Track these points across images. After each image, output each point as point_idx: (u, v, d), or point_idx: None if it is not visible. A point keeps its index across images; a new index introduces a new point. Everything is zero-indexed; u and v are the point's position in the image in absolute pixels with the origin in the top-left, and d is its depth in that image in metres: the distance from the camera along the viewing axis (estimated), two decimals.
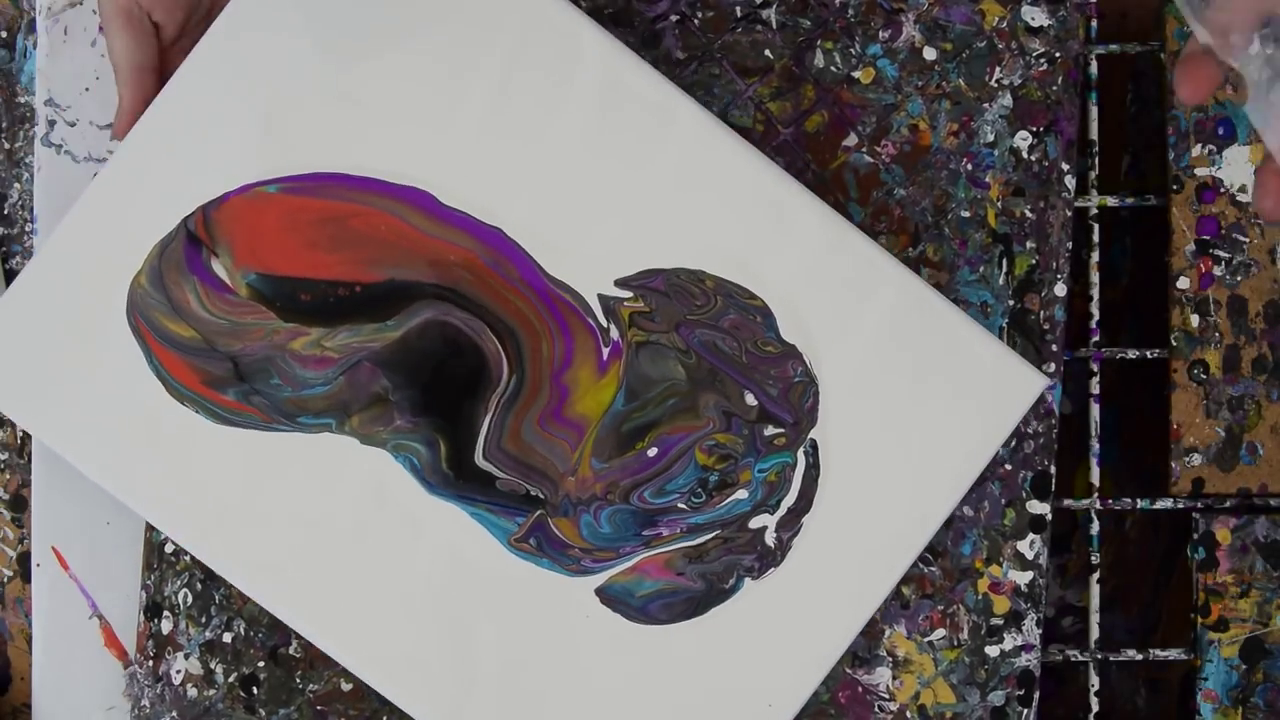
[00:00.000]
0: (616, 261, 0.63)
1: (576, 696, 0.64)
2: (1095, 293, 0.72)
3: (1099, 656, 0.72)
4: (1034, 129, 0.70)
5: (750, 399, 0.63)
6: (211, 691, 0.70)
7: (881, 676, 0.70)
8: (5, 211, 0.75)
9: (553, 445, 0.63)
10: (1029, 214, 0.70)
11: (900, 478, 0.63)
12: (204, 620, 0.70)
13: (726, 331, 0.63)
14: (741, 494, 0.63)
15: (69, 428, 0.63)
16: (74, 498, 0.72)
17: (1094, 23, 0.71)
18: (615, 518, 0.63)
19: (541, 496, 0.63)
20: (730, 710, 0.64)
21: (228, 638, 0.70)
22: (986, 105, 0.70)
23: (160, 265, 0.63)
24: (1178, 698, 0.77)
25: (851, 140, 0.70)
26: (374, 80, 0.62)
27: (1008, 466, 0.69)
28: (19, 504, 0.74)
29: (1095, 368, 0.73)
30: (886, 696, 0.69)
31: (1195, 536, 0.71)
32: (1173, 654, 0.72)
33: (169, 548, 0.71)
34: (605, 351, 0.63)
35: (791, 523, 0.63)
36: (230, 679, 0.70)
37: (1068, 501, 0.72)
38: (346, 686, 0.70)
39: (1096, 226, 0.73)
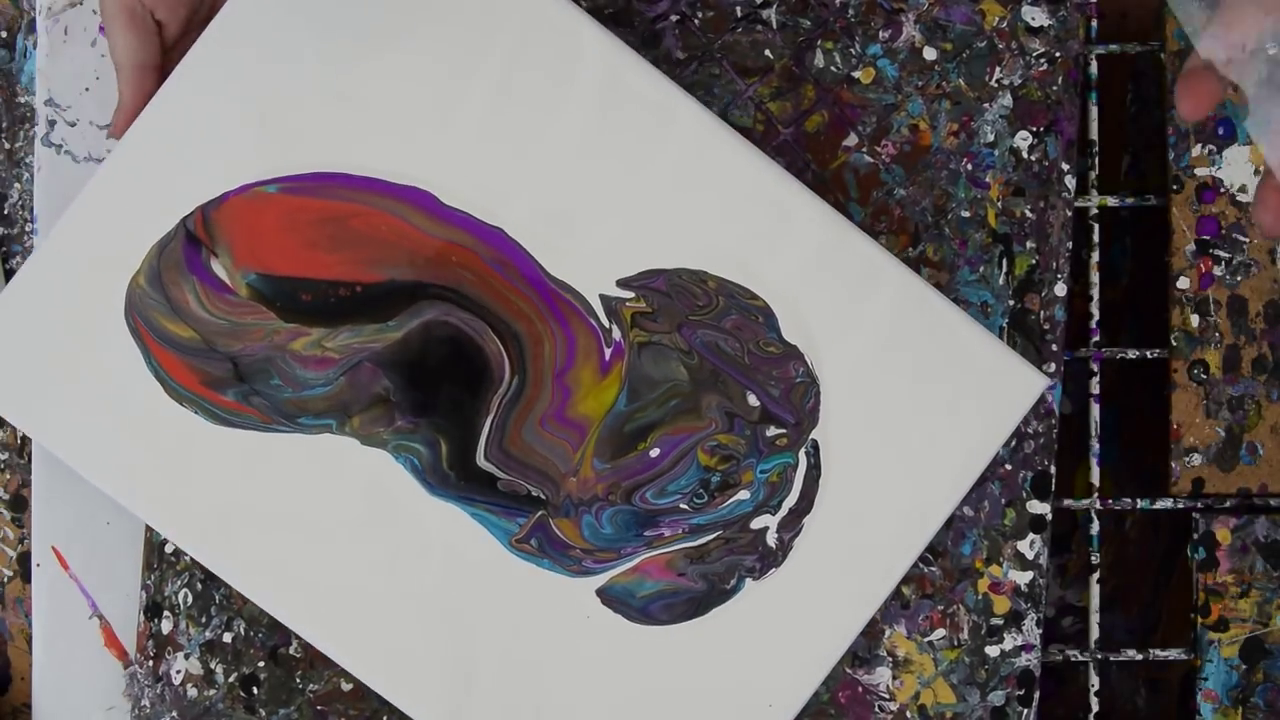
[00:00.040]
0: (618, 261, 0.63)
1: (577, 697, 0.64)
2: (1095, 293, 0.72)
3: (1099, 656, 0.72)
4: (1034, 129, 0.70)
5: (752, 399, 0.63)
6: (211, 691, 0.70)
7: (882, 676, 0.70)
8: (5, 211, 0.75)
9: (554, 446, 0.63)
10: (1029, 214, 0.70)
11: (901, 478, 0.63)
12: (204, 620, 0.70)
13: (728, 332, 0.63)
14: (743, 495, 0.63)
15: (66, 429, 0.63)
16: (74, 498, 0.72)
17: (1094, 23, 0.71)
18: (617, 518, 0.63)
19: (543, 497, 0.63)
20: (731, 710, 0.64)
21: (228, 638, 0.70)
22: (986, 105, 0.70)
23: (159, 265, 0.63)
24: (1178, 698, 0.77)
25: (852, 140, 0.70)
26: (374, 79, 0.62)
27: (1008, 466, 0.69)
28: (19, 504, 0.74)
29: (1095, 368, 0.73)
30: (886, 696, 0.69)
31: (1195, 536, 0.71)
32: (1173, 654, 0.72)
33: (169, 548, 0.70)
34: (607, 352, 0.63)
35: (793, 523, 0.63)
36: (230, 679, 0.70)
37: (1068, 501, 0.72)
38: (346, 686, 0.70)
39: (1096, 226, 0.73)
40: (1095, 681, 0.72)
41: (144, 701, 0.71)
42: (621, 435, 0.63)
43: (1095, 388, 0.73)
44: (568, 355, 0.63)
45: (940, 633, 0.69)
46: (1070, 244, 0.70)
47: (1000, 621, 0.69)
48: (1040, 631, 0.69)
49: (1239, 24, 0.49)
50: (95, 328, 0.63)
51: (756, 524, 0.63)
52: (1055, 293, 0.70)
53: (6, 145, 0.75)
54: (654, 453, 0.63)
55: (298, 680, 0.70)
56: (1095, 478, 0.72)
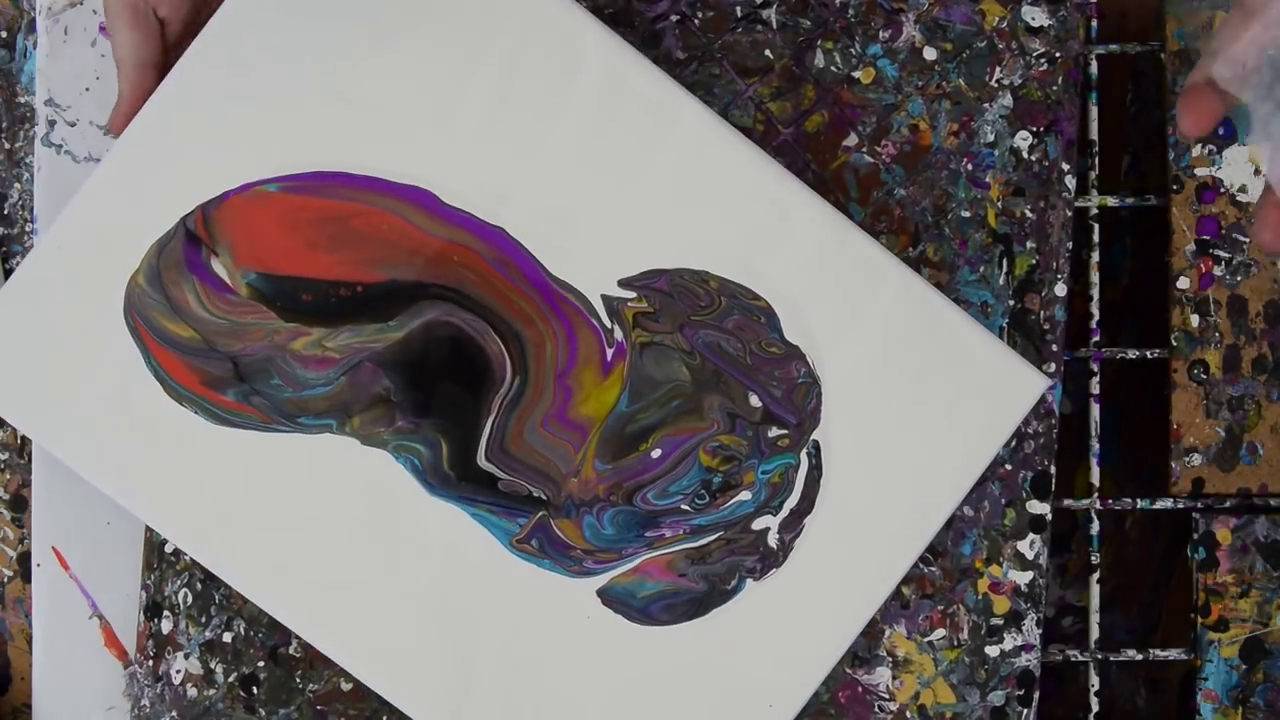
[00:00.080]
0: (620, 261, 0.63)
1: (577, 698, 0.64)
2: (1095, 293, 0.72)
3: (1099, 656, 0.72)
4: (1034, 129, 0.70)
5: (754, 400, 0.63)
6: (211, 691, 0.70)
7: (881, 676, 0.70)
8: (5, 211, 0.75)
9: (556, 446, 0.63)
10: (1029, 214, 0.70)
11: (901, 478, 0.63)
12: (204, 620, 0.70)
13: (730, 332, 0.63)
14: (745, 495, 0.63)
15: (66, 429, 0.63)
16: (74, 498, 0.72)
17: (1094, 23, 0.71)
18: (618, 519, 0.63)
19: (544, 498, 0.63)
20: (731, 710, 0.64)
21: (228, 637, 0.70)
22: (986, 105, 0.70)
23: (159, 264, 0.63)
24: (1178, 698, 0.77)
25: (852, 140, 0.70)
26: (375, 78, 0.62)
27: (1008, 466, 0.69)
28: (19, 504, 0.74)
29: (1095, 368, 0.73)
30: (886, 696, 0.69)
31: (1195, 536, 0.71)
32: (1173, 654, 0.72)
33: (169, 548, 0.70)
34: (609, 352, 0.63)
35: (794, 524, 0.63)
36: (230, 679, 0.70)
37: (1068, 501, 0.72)
38: (346, 686, 0.70)
39: (1096, 226, 0.73)
40: (1095, 681, 0.72)
41: (144, 701, 0.71)
42: (623, 436, 0.63)
43: (1095, 388, 0.73)
44: (569, 356, 0.63)
45: (940, 633, 0.69)
46: (1070, 244, 0.70)
47: (1000, 621, 0.69)
48: (1040, 631, 0.69)
49: (1240, 40, 0.49)
50: (94, 327, 0.63)
51: (758, 525, 0.63)
52: (1055, 293, 0.70)
53: (6, 145, 0.75)
54: (655, 453, 0.63)
55: (298, 680, 0.70)
56: (1095, 478, 0.72)
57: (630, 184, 0.62)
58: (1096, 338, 0.72)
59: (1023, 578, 0.69)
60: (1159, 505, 0.72)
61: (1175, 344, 0.71)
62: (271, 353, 0.63)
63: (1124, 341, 0.77)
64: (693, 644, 0.64)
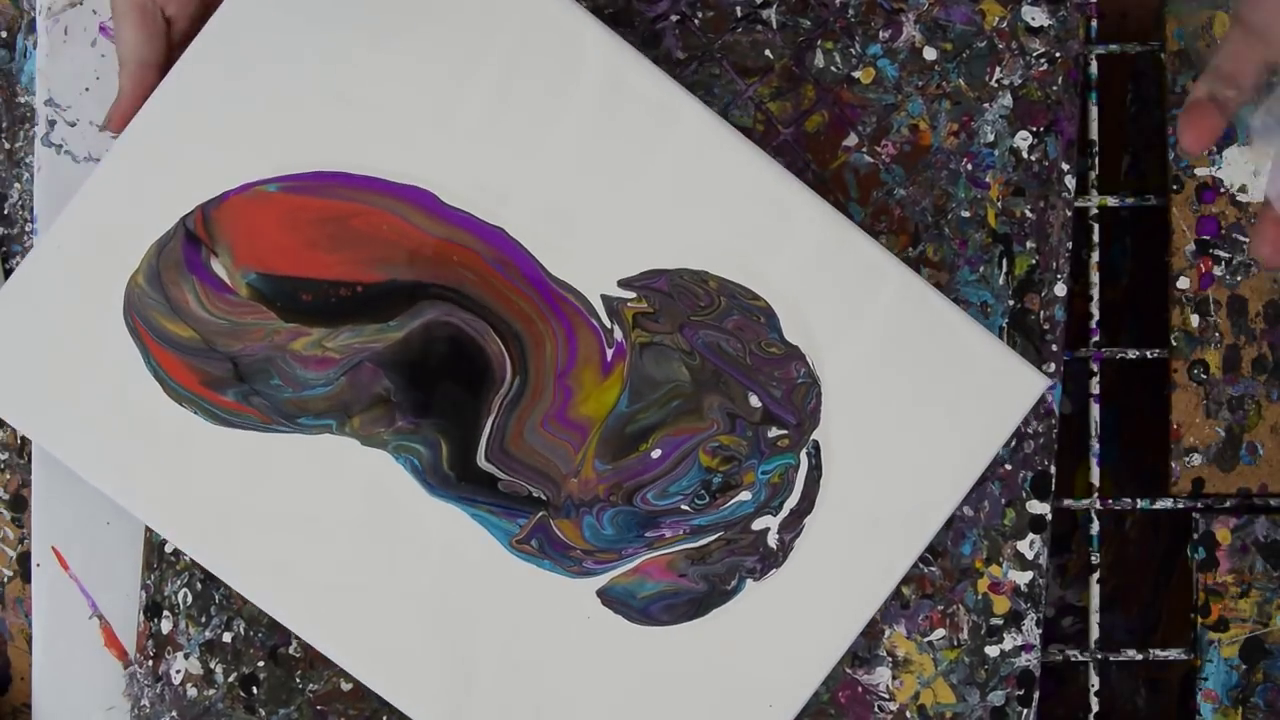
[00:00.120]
0: (619, 262, 0.63)
1: (577, 698, 0.64)
2: (1095, 293, 0.72)
3: (1099, 656, 0.72)
4: (1034, 129, 0.70)
5: (754, 400, 0.63)
6: (211, 691, 0.70)
7: (881, 676, 0.70)
8: (5, 211, 0.75)
9: (555, 447, 0.63)
10: (1029, 214, 0.70)
11: (901, 478, 0.63)
12: (204, 620, 0.70)
13: (730, 333, 0.63)
14: (745, 496, 0.63)
15: (65, 429, 0.63)
16: (74, 498, 0.72)
17: (1094, 23, 0.71)
18: (618, 519, 0.63)
19: (544, 498, 0.63)
20: (731, 710, 0.64)
21: (228, 637, 0.70)
22: (986, 105, 0.70)
23: (158, 264, 0.63)
24: (1178, 698, 0.77)
25: (851, 140, 0.70)
26: (375, 78, 0.62)
27: (1008, 466, 0.69)
28: (19, 504, 0.74)
29: (1095, 368, 0.73)
30: (886, 696, 0.69)
31: (1195, 536, 0.71)
32: (1173, 654, 0.72)
33: (169, 548, 0.70)
34: (609, 353, 0.63)
35: (794, 524, 0.63)
36: (230, 679, 0.70)
37: (1068, 501, 0.72)
38: (346, 686, 0.70)
39: (1096, 226, 0.73)
40: (1095, 681, 0.72)
41: (144, 701, 0.71)
42: (623, 436, 0.63)
43: (1095, 388, 0.73)
44: (569, 356, 0.63)
45: (940, 633, 0.69)
46: (1070, 244, 0.70)
47: (1000, 621, 0.69)
48: (1040, 631, 0.69)
49: (1242, 57, 0.49)
50: (94, 327, 0.63)
51: (758, 525, 0.63)
52: (1055, 293, 0.70)
53: (6, 145, 0.75)
54: (655, 454, 0.63)
55: (298, 680, 0.70)
56: (1095, 478, 0.72)
57: (630, 184, 0.62)
58: (1096, 338, 0.72)
59: (1023, 578, 0.69)
60: (1159, 505, 0.72)
61: (1175, 344, 0.71)
62: (271, 353, 0.63)
63: (1124, 341, 0.77)
64: (693, 644, 0.64)
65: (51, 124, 0.73)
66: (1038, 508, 0.69)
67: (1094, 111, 0.72)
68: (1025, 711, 0.69)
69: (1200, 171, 0.71)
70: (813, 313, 0.63)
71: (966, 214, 0.70)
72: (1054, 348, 0.69)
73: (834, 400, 0.63)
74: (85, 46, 0.73)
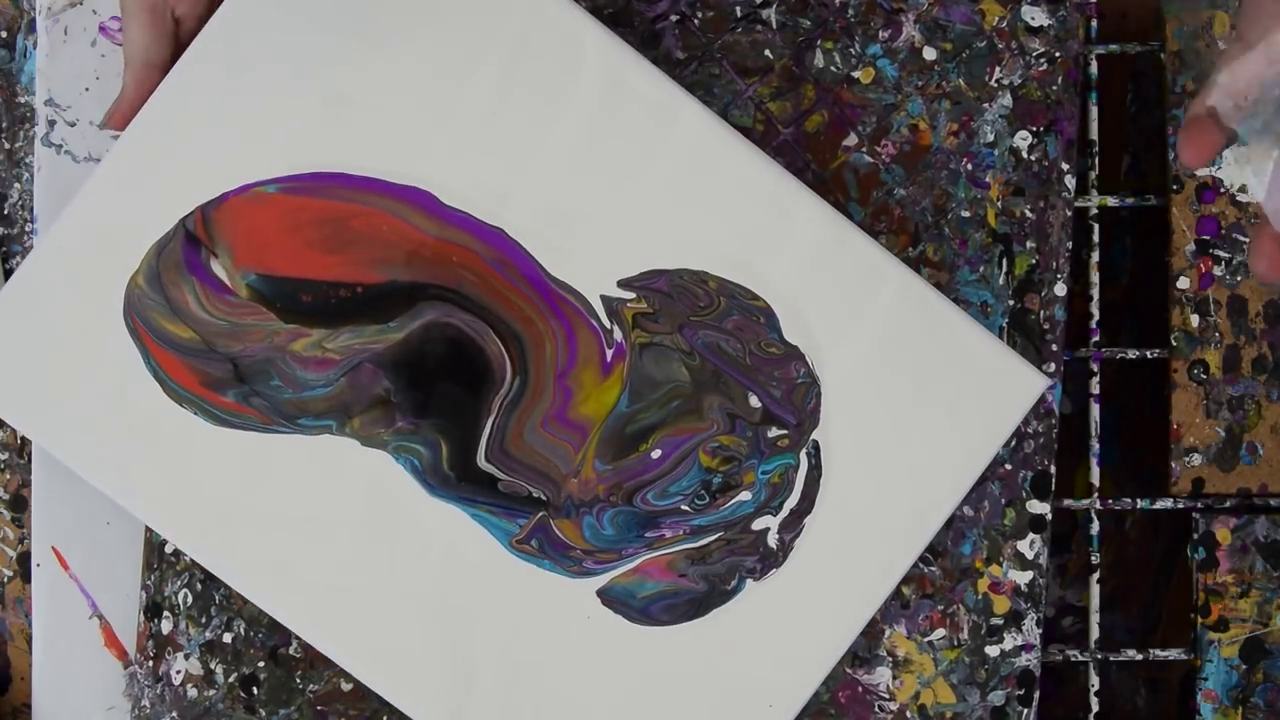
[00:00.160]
0: (619, 262, 0.63)
1: (577, 698, 0.64)
2: (1095, 293, 0.72)
3: (1099, 656, 0.72)
4: (1034, 129, 0.70)
5: (754, 401, 0.63)
6: (211, 691, 0.70)
7: (882, 676, 0.70)
8: (5, 211, 0.75)
9: (555, 447, 0.63)
10: (1029, 214, 0.70)
11: (901, 478, 0.63)
12: (204, 620, 0.70)
13: (730, 333, 0.63)
14: (745, 496, 0.63)
15: (66, 430, 0.63)
16: (74, 498, 0.72)
17: (1094, 23, 0.71)
18: (618, 519, 0.63)
19: (544, 498, 0.63)
20: (731, 710, 0.64)
21: (228, 638, 0.70)
22: (986, 105, 0.70)
23: (158, 265, 0.63)
24: (1178, 698, 0.77)
25: (851, 140, 0.70)
26: (374, 79, 0.62)
27: (1008, 466, 0.69)
28: (19, 504, 0.74)
29: (1095, 368, 0.73)
30: (886, 696, 0.69)
31: (1195, 536, 0.71)
32: (1173, 654, 0.72)
33: (169, 548, 0.70)
34: (609, 353, 0.63)
35: (794, 524, 0.63)
36: (230, 679, 0.70)
37: (1068, 501, 0.72)
38: (346, 686, 0.70)
39: (1096, 226, 0.73)
40: (1095, 681, 0.72)
41: (144, 701, 0.71)
42: (623, 436, 0.63)
43: (1095, 388, 0.73)
44: (569, 356, 0.63)
45: (940, 633, 0.69)
46: (1070, 244, 0.70)
47: (1000, 621, 0.69)
48: (1040, 631, 0.69)
49: (1242, 72, 0.49)
50: (94, 328, 0.63)
51: (758, 525, 0.63)
52: (1055, 293, 0.70)
53: (6, 145, 0.75)
54: (655, 454, 0.63)
55: (298, 680, 0.70)
56: (1095, 478, 0.72)
57: (629, 184, 0.62)
58: (1096, 338, 0.72)
59: (1023, 578, 0.69)
60: (1159, 505, 0.72)
61: (1175, 344, 0.71)
62: (271, 354, 0.63)
63: (1124, 341, 0.77)
64: (693, 644, 0.64)
65: (51, 124, 0.73)
66: (1038, 508, 0.69)
67: (1094, 111, 0.72)
68: (1025, 711, 0.69)
69: (1200, 171, 0.71)
70: (812, 313, 0.63)
71: (966, 214, 0.70)
72: (1054, 348, 0.69)
73: (834, 400, 0.63)
74: (85, 46, 0.73)
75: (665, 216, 0.62)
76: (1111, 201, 0.73)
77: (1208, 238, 0.71)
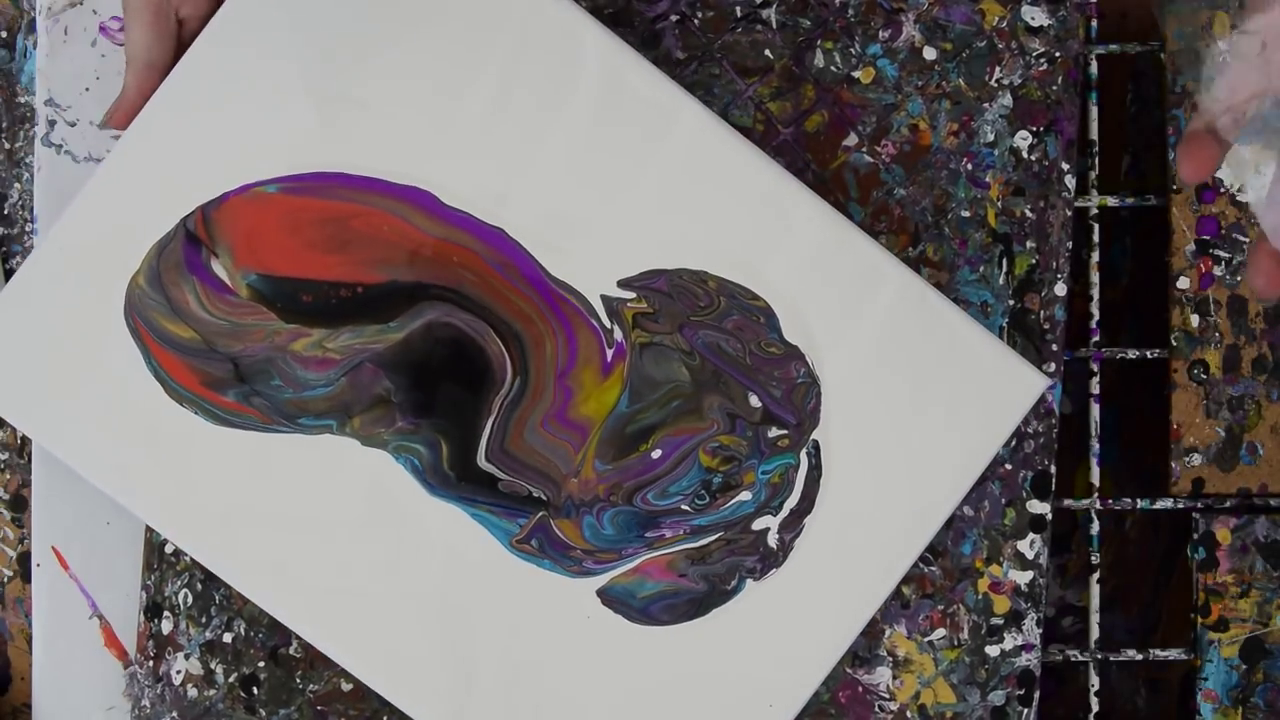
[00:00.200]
0: (619, 262, 0.63)
1: (577, 698, 0.64)
2: (1095, 293, 0.72)
3: (1099, 656, 0.72)
4: (1034, 129, 0.70)
5: (754, 400, 0.63)
6: (211, 691, 0.70)
7: (882, 676, 0.70)
8: (5, 211, 0.75)
9: (556, 447, 0.63)
10: (1029, 214, 0.70)
11: (901, 478, 0.63)
12: (204, 620, 0.70)
13: (730, 333, 0.63)
14: (745, 496, 0.63)
15: (66, 429, 0.63)
16: (74, 498, 0.72)
17: (1094, 23, 0.71)
18: (618, 519, 0.63)
19: (544, 498, 0.63)
20: (731, 710, 0.64)
21: (228, 638, 0.70)
22: (986, 105, 0.70)
23: (159, 265, 0.63)
24: (1178, 698, 0.77)
25: (851, 140, 0.70)
26: (374, 79, 0.62)
27: (1008, 466, 0.69)
28: (19, 504, 0.74)
29: (1095, 368, 0.73)
30: (887, 696, 0.69)
31: (1195, 536, 0.71)
32: (1173, 654, 0.72)
33: (169, 548, 0.70)
34: (609, 353, 0.63)
35: (794, 524, 0.63)
36: (230, 679, 0.70)
37: (1068, 501, 0.72)
38: (346, 686, 0.70)
39: (1096, 226, 0.73)
40: (1095, 681, 0.72)
41: (144, 701, 0.71)
42: (623, 436, 0.63)
43: (1095, 388, 0.73)
44: (569, 356, 0.63)
45: (940, 632, 0.69)
46: (1070, 244, 0.70)
47: (1000, 621, 0.69)
48: (1040, 631, 0.69)
49: (1242, 87, 0.49)
50: (95, 328, 0.63)
51: (758, 525, 0.63)
52: (1055, 293, 0.70)
53: (6, 145, 0.75)
54: (656, 454, 0.63)
55: (298, 680, 0.70)
56: (1095, 478, 0.72)
57: (630, 184, 0.62)
58: (1096, 338, 0.72)
59: (1023, 577, 0.69)
60: (1159, 505, 0.72)
61: (1175, 344, 0.71)
62: (272, 354, 0.63)
63: (1124, 341, 0.77)
64: (693, 644, 0.64)
65: (51, 124, 0.73)
66: (1038, 507, 0.69)
67: (1094, 111, 0.72)
68: (1025, 711, 0.69)
69: None
70: (812, 313, 0.63)
71: (966, 214, 0.70)
72: (1054, 348, 0.69)
73: (834, 400, 0.63)
74: (85, 46, 0.73)
75: (665, 216, 0.62)
76: (1111, 201, 0.73)
77: (1208, 238, 0.71)
